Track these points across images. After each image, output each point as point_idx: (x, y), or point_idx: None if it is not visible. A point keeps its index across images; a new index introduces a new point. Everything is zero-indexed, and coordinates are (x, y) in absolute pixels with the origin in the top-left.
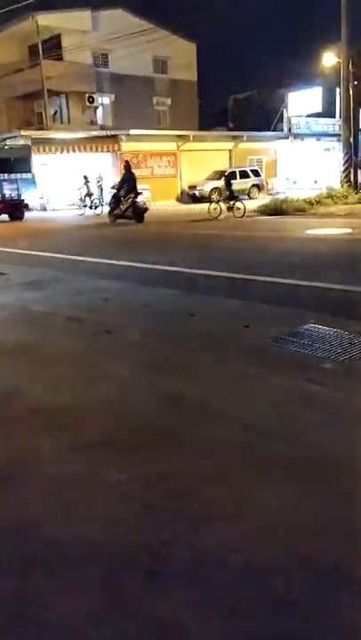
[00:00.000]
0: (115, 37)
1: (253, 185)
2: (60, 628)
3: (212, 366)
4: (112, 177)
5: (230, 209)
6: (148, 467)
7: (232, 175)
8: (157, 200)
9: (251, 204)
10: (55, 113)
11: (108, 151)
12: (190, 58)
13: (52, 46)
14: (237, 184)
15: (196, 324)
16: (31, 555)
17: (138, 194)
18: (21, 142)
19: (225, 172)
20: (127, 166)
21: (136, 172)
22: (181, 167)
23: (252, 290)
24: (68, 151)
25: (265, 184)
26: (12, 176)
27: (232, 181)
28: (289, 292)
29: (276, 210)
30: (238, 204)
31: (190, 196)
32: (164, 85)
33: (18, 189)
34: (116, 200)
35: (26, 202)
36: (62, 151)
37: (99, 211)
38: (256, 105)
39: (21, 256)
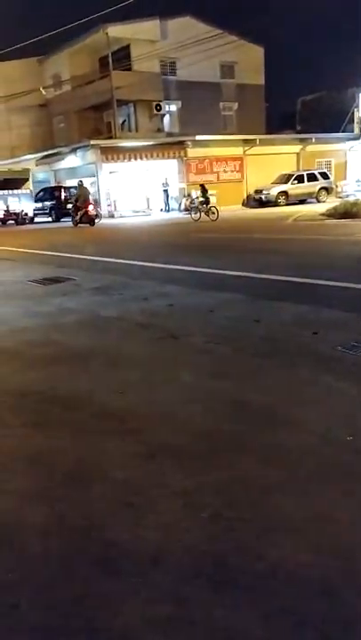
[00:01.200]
0: (183, 45)
1: (322, 188)
2: (125, 633)
3: (279, 373)
4: (178, 182)
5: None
6: (214, 474)
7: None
8: (223, 205)
9: (319, 208)
10: (124, 122)
11: (175, 157)
12: (258, 62)
13: (122, 57)
14: (305, 187)
15: (262, 330)
16: (96, 558)
17: (89, 204)
18: (90, 151)
19: (292, 174)
20: (80, 184)
21: (200, 177)
22: (247, 172)
23: (320, 295)
24: (135, 158)
25: (334, 187)
26: (16, 192)
27: (292, 184)
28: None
29: (346, 213)
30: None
31: (256, 201)
32: (231, 90)
33: (19, 202)
34: (75, 209)
35: (25, 212)
36: (130, 159)
37: (170, 215)
38: (325, 106)
39: (90, 262)
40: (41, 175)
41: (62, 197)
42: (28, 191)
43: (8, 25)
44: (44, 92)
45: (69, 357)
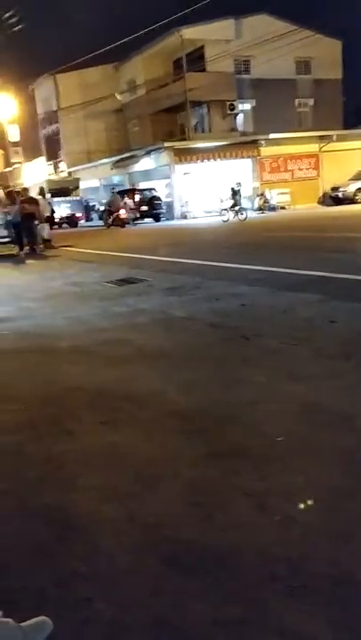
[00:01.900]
0: (257, 43)
1: None
2: (195, 633)
3: (355, 376)
4: (252, 182)
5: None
6: (286, 477)
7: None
8: (298, 203)
9: None
10: (197, 123)
11: (248, 157)
12: (335, 56)
13: (196, 58)
14: None
15: (338, 332)
16: (166, 555)
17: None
18: (163, 154)
19: None
20: (113, 192)
21: (275, 176)
22: (323, 169)
23: None
24: (208, 159)
25: None
26: (68, 199)
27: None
28: None
29: None
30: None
31: (332, 199)
32: (307, 86)
33: (71, 207)
34: (108, 213)
35: (77, 215)
36: (203, 160)
37: (243, 216)
38: None
39: (163, 263)
40: (116, 178)
41: (136, 200)
42: (79, 198)
43: (87, 33)
44: (119, 97)
45: (142, 357)
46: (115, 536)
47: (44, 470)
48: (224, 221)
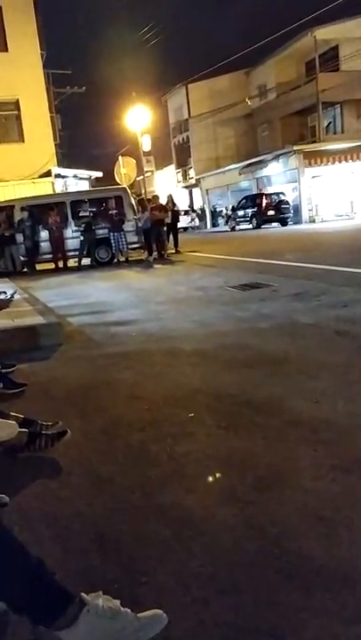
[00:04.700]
0: None
1: None
2: None
3: None
4: None
5: None
6: None
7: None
8: None
9: None
10: (329, 124)
11: None
12: None
13: (330, 58)
14: None
15: None
16: (284, 566)
17: None
18: (292, 157)
19: None
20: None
21: None
22: None
23: None
24: (339, 161)
25: None
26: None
27: None
28: None
29: None
30: None
31: None
32: None
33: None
34: None
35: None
36: (334, 161)
37: None
38: None
39: (288, 268)
40: (245, 184)
41: (263, 204)
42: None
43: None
44: (249, 102)
45: (263, 362)
46: (232, 541)
47: (166, 470)
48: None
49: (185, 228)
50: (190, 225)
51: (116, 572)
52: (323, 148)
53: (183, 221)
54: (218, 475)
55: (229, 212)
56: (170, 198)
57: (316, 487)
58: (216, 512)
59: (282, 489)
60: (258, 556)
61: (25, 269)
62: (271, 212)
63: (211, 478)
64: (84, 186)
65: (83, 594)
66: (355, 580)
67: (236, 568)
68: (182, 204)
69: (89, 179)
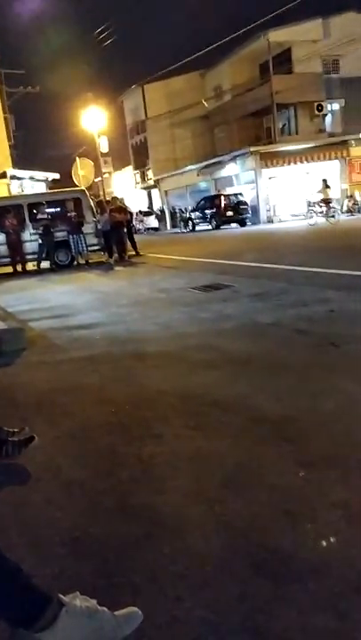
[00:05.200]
0: (347, 41)
1: None
2: (284, 638)
3: None
4: (340, 184)
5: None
6: None
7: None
8: None
9: None
10: (283, 126)
11: (337, 158)
12: None
13: (283, 61)
14: None
15: None
16: (255, 560)
17: None
18: (249, 158)
19: None
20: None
21: None
22: None
23: None
24: (295, 162)
25: None
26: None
27: None
28: None
29: None
30: None
31: None
32: None
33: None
34: None
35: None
36: (289, 163)
37: (334, 219)
38: None
39: (248, 268)
40: (203, 185)
41: (222, 205)
42: None
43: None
44: (205, 103)
45: (228, 362)
46: (203, 538)
47: (136, 472)
48: (311, 225)
49: (145, 230)
50: (148, 227)
51: (90, 575)
52: (278, 150)
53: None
54: (187, 474)
55: (188, 214)
56: (121, 201)
57: (281, 483)
58: (186, 511)
59: (249, 486)
60: (228, 551)
61: None
62: (230, 213)
63: (180, 478)
64: (41, 188)
65: (60, 595)
66: (322, 569)
67: (207, 564)
68: (142, 206)
69: (46, 180)
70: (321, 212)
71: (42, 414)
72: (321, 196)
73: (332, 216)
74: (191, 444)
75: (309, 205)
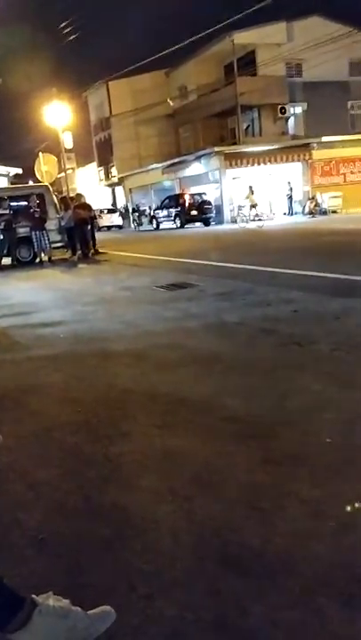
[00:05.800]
0: (310, 46)
1: None
2: (254, 633)
3: None
4: (303, 186)
5: None
6: (344, 485)
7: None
8: (350, 208)
9: None
10: (247, 127)
11: (299, 160)
12: None
13: (247, 62)
14: None
15: None
16: (225, 557)
17: None
18: (213, 158)
19: None
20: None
21: (326, 179)
22: None
23: None
24: (258, 163)
25: None
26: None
27: None
28: None
29: None
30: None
31: None
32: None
33: None
34: None
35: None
36: (253, 163)
37: (261, 223)
38: None
39: (213, 267)
40: (168, 183)
41: (186, 204)
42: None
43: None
44: (171, 102)
45: (194, 361)
46: (173, 536)
47: (104, 471)
48: (241, 227)
49: (108, 227)
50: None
51: (60, 575)
52: (242, 150)
53: (106, 220)
54: (156, 473)
55: (152, 212)
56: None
57: (249, 480)
58: (156, 510)
59: (218, 483)
60: (198, 548)
61: None
62: (194, 212)
63: (149, 477)
64: (3, 183)
65: (33, 595)
66: (291, 564)
67: (178, 562)
68: (106, 203)
69: (7, 175)
70: (252, 216)
71: (5, 414)
72: (248, 202)
73: (259, 219)
74: (159, 442)
75: (239, 209)
